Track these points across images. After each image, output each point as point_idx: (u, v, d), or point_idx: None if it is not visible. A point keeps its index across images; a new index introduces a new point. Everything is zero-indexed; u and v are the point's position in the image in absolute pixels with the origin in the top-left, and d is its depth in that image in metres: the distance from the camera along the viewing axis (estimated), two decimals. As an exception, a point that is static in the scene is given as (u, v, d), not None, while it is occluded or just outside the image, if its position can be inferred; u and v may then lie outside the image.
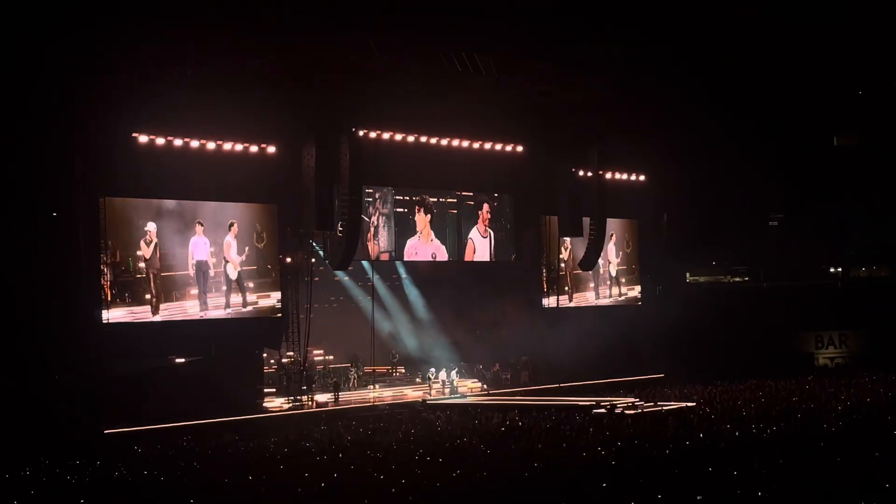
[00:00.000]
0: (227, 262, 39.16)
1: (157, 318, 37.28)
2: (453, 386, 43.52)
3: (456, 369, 44.54)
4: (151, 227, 37.46)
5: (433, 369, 44.19)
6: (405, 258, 44.83)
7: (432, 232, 44.74)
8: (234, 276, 39.27)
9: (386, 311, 47.30)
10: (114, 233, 36.47)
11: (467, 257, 45.99)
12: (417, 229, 44.35)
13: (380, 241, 42.99)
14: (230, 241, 39.24)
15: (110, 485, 24.95)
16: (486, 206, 46.38)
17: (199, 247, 38.52)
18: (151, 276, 37.35)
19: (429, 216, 44.60)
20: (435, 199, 44.93)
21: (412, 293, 47.91)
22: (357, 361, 44.70)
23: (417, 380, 45.63)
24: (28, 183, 34.65)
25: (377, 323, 45.87)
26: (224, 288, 39.07)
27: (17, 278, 34.42)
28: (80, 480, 25.75)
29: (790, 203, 59.32)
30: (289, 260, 40.87)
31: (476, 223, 46.15)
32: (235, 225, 39.39)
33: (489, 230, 46.49)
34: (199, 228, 38.45)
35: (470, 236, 45.97)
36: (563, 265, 49.03)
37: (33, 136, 34.28)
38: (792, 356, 53.50)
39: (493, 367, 46.30)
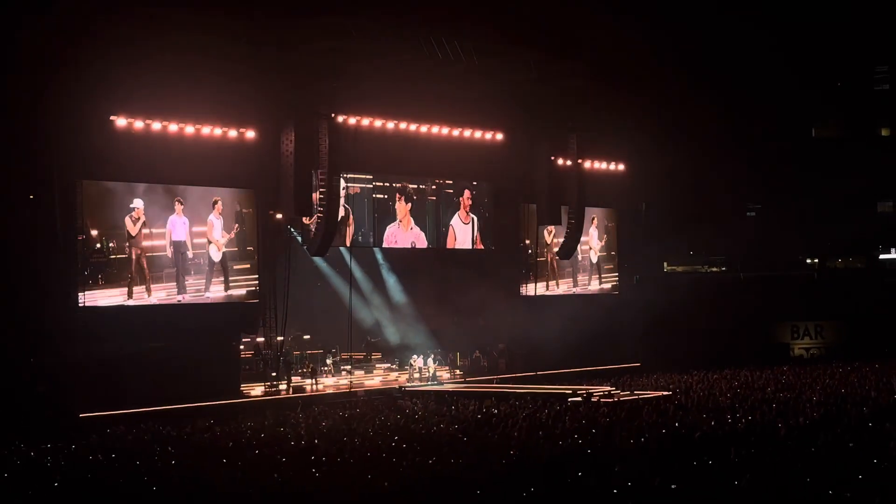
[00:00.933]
0: (210, 243, 38.90)
1: (135, 302, 37.11)
2: (432, 373, 43.51)
3: (432, 356, 44.52)
4: (138, 203, 37.15)
5: (414, 356, 44.15)
6: (384, 245, 44.74)
7: (412, 220, 44.68)
8: (217, 257, 39.04)
9: (364, 297, 47.26)
10: (91, 215, 36.27)
11: (448, 245, 45.96)
12: (398, 217, 44.28)
13: (350, 227, 42.92)
14: (213, 220, 38.98)
15: (85, 468, 24.86)
16: (467, 193, 46.30)
17: (177, 226, 38.16)
18: (134, 256, 37.08)
19: (409, 204, 44.54)
20: (415, 186, 44.89)
21: (390, 280, 47.87)
22: (333, 347, 44.66)
23: (394, 366, 45.66)
24: (5, 165, 34.44)
25: (355, 309, 45.86)
26: (206, 270, 38.85)
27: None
28: (54, 464, 25.67)
29: (768, 194, 59.59)
30: (267, 245, 40.76)
31: (457, 210, 46.11)
32: (220, 202, 39.09)
33: (471, 215, 46.44)
34: (178, 207, 38.14)
35: (451, 223, 45.94)
36: (544, 252, 49.07)
37: (10, 118, 34.08)
38: (768, 346, 53.81)
39: (474, 353, 46.33)
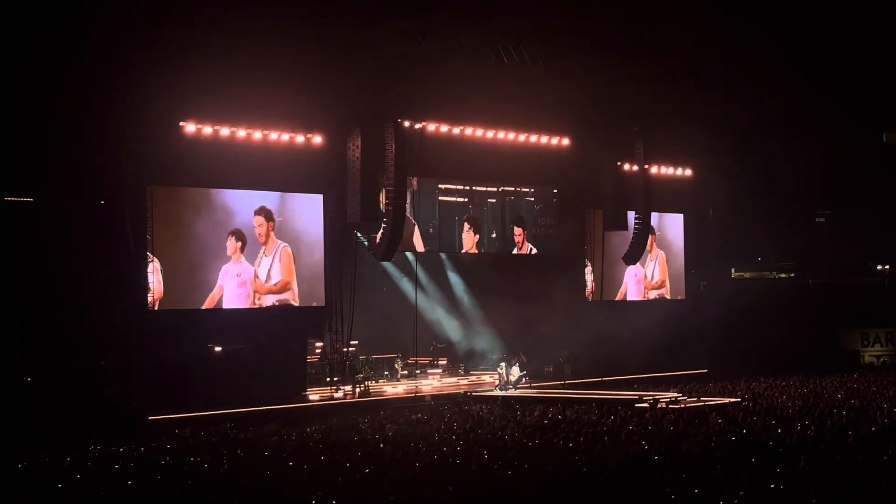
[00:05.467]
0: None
1: (203, 306, 37.49)
2: (516, 379, 42.48)
3: (517, 364, 43.49)
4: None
5: (503, 363, 43.24)
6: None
7: (478, 251, 44.90)
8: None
9: (431, 302, 47.29)
10: (160, 221, 36.68)
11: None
12: (464, 248, 44.42)
13: (416, 238, 43.14)
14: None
15: (155, 470, 25.12)
16: (517, 230, 45.99)
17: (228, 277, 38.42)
18: None
19: (477, 237, 44.63)
20: (482, 189, 44.92)
21: (457, 285, 47.89)
22: (403, 352, 44.72)
23: (461, 371, 45.68)
24: (75, 170, 34.92)
25: (422, 315, 45.91)
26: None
27: (65, 264, 34.73)
28: (125, 465, 25.97)
29: (837, 199, 58.86)
30: (333, 250, 40.95)
31: (514, 246, 46.06)
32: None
33: (526, 244, 46.24)
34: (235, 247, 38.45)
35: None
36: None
37: (80, 124, 34.54)
38: (837, 353, 53.16)
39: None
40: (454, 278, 47.88)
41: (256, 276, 38.67)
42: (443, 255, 46.70)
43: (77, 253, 34.89)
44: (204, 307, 37.49)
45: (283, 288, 39.36)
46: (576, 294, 47.92)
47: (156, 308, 36.53)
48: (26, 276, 34.48)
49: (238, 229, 38.31)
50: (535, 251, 46.43)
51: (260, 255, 38.84)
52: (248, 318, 38.49)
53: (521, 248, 46.10)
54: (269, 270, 39.02)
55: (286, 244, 39.44)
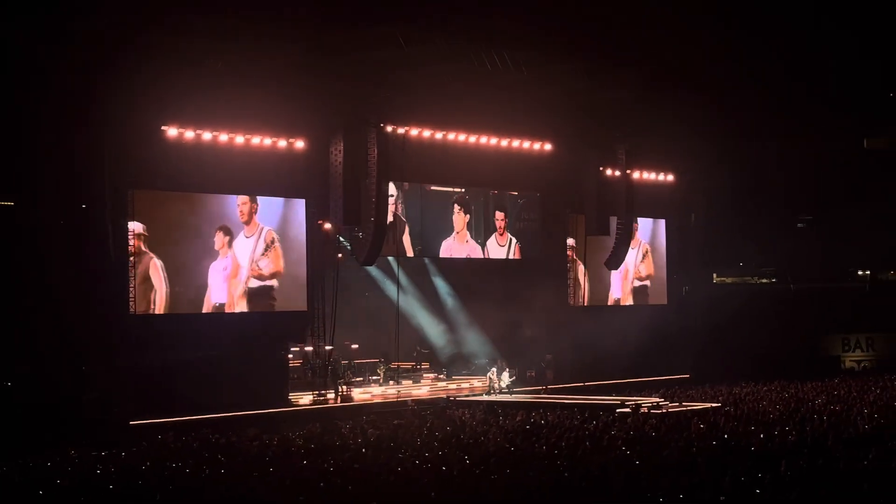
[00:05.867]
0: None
1: (185, 311, 37.42)
2: (507, 385, 42.17)
3: (508, 370, 42.77)
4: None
5: (494, 369, 43.14)
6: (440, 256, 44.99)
7: (468, 233, 44.82)
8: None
9: (415, 307, 47.25)
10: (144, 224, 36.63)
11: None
12: (455, 229, 44.43)
13: (405, 238, 43.13)
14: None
15: (135, 475, 25.05)
16: (499, 214, 46.12)
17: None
18: None
19: (468, 216, 44.64)
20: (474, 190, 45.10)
21: (439, 285, 47.88)
22: (386, 356, 44.67)
23: (442, 376, 45.67)
24: (57, 174, 34.82)
25: (405, 319, 45.87)
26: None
27: (46, 269, 34.63)
28: (105, 470, 25.88)
29: (818, 205, 59.10)
30: (316, 254, 40.91)
31: (493, 232, 46.03)
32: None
33: (507, 235, 46.29)
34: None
35: (486, 245, 45.93)
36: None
37: (62, 127, 34.46)
38: (818, 358, 53.34)
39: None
40: (438, 283, 47.88)
41: (238, 261, 38.66)
42: (426, 260, 46.68)
43: (58, 257, 34.81)
44: (203, 311, 37.80)
45: (272, 275, 39.42)
46: (559, 298, 47.96)
47: (163, 307, 36.75)
48: (7, 279, 34.35)
49: (225, 225, 38.29)
50: (514, 241, 46.48)
51: (241, 234, 38.80)
52: (229, 322, 38.42)
53: (501, 234, 46.10)
54: (253, 252, 39.02)
55: (269, 227, 39.36)
